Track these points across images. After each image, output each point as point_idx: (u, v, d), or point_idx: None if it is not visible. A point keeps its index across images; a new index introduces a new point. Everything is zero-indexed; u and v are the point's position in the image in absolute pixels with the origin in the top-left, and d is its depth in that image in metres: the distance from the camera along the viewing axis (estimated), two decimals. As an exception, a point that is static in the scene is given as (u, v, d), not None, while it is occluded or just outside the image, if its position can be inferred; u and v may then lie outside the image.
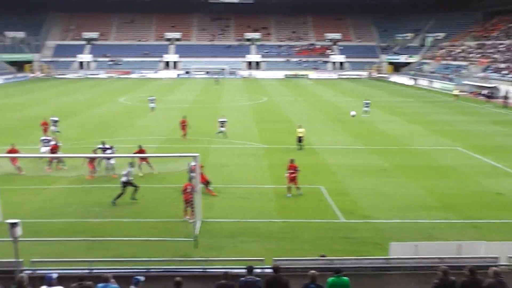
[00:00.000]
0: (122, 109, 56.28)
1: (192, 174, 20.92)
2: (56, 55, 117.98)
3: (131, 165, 23.71)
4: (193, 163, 20.96)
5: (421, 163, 31.58)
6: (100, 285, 11.87)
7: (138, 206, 22.60)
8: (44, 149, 29.86)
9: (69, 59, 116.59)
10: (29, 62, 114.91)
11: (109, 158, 27.06)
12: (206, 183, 24.25)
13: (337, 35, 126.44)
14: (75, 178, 24.10)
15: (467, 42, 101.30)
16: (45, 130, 37.48)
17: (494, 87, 72.19)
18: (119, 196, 22.81)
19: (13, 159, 27.23)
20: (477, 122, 49.05)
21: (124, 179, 23.04)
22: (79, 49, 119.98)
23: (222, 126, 38.94)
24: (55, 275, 12.06)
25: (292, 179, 24.49)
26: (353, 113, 48.93)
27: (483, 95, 70.02)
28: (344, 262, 14.12)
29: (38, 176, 23.69)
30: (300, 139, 34.89)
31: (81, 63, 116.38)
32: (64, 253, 17.26)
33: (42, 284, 11.84)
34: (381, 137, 40.20)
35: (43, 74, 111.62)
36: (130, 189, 23.11)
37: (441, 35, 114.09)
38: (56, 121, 39.62)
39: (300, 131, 35.01)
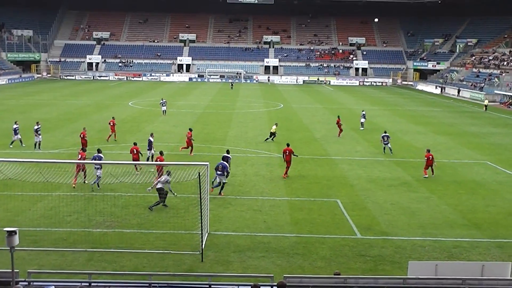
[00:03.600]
0: (130, 113, 56.63)
1: None
2: (64, 55, 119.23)
3: (168, 173, 23.92)
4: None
5: (446, 177, 31.34)
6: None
7: (142, 217, 22.72)
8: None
9: (78, 59, 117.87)
10: (36, 62, 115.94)
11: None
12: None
13: (361, 39, 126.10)
14: (77, 186, 24.25)
15: (500, 49, 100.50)
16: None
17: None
18: (157, 203, 23.66)
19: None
20: (508, 134, 48.63)
21: (159, 186, 23.66)
22: (89, 49, 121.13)
23: None
24: (52, 288, 12.13)
25: (429, 165, 30.58)
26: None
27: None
28: (359, 281, 14.07)
29: (39, 183, 23.80)
30: (271, 134, 40.44)
31: (90, 64, 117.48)
32: (63, 265, 17.48)
33: (39, 297, 11.92)
34: (405, 148, 40.00)
35: (49, 75, 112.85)
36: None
37: (473, 41, 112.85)
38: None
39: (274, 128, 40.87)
